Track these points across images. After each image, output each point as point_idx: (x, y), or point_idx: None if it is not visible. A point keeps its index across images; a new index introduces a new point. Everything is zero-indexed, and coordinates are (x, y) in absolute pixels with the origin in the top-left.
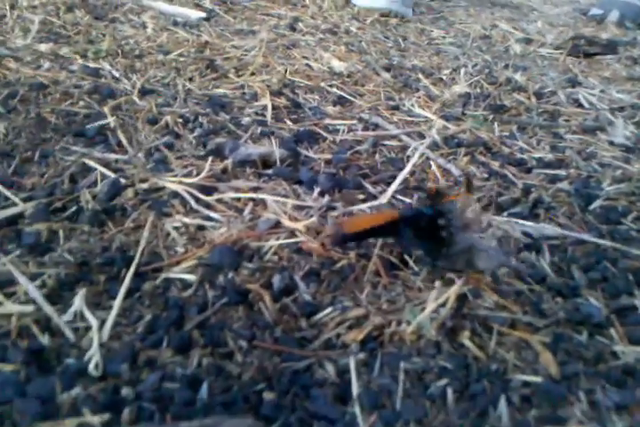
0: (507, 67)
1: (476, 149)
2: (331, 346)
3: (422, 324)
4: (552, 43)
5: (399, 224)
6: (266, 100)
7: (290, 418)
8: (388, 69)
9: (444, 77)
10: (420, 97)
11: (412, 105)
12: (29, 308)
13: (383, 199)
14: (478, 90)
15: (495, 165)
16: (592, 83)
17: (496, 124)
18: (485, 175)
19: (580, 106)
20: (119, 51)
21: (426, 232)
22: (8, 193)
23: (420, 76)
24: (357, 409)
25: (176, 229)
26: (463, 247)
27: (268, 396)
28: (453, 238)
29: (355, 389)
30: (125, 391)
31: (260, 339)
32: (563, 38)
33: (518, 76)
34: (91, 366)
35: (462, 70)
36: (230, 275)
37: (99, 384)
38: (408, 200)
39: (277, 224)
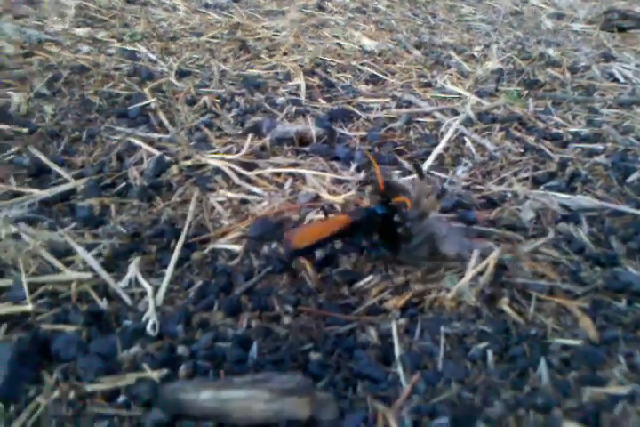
0: (539, 42)
1: (511, 124)
2: (373, 312)
3: (462, 290)
4: (584, 17)
5: (352, 229)
6: (299, 80)
7: (335, 377)
8: (418, 47)
9: (476, 54)
10: (452, 74)
11: (445, 82)
12: (87, 275)
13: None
14: (511, 66)
15: (530, 139)
16: (627, 57)
17: (530, 99)
18: (521, 150)
19: (616, 80)
20: (154, 34)
21: (382, 232)
22: (60, 170)
23: (452, 53)
24: (400, 369)
25: (220, 203)
26: (424, 237)
27: (315, 356)
28: (412, 232)
29: (397, 351)
30: (181, 350)
31: (305, 304)
32: (595, 13)
33: (551, 52)
34: (148, 327)
35: (494, 46)
36: (274, 246)
37: (156, 343)
38: (444, 175)
39: (317, 198)
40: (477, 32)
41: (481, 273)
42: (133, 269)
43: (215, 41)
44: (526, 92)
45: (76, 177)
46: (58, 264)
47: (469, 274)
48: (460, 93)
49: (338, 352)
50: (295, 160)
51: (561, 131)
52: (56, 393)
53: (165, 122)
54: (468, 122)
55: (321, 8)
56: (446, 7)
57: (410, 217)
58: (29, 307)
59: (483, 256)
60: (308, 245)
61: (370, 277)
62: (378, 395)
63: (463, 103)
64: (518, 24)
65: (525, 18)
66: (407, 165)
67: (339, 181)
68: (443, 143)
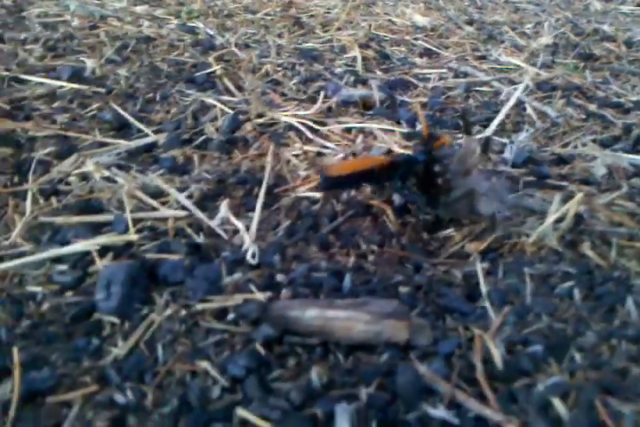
0: (589, 22)
1: (571, 92)
2: (454, 257)
3: (544, 233)
4: (633, 0)
5: (390, 170)
6: (354, 53)
7: (426, 309)
8: (470, 24)
9: (527, 31)
10: (506, 48)
11: (500, 55)
12: (182, 213)
13: (487, 133)
14: (564, 41)
15: (592, 107)
16: None
17: (587, 71)
18: (583, 116)
19: None
20: (209, 12)
21: (421, 179)
22: (140, 125)
23: (503, 29)
24: (488, 304)
25: (295, 156)
26: (463, 193)
27: (404, 289)
28: (451, 185)
29: (483, 288)
30: (280, 277)
31: (389, 245)
32: None
33: (606, 27)
34: (248, 256)
35: (545, 24)
36: (352, 193)
37: (255, 271)
38: (505, 140)
39: (389, 152)
40: (526, 12)
41: (560, 220)
42: (224, 210)
43: (269, 18)
44: (582, 64)
45: (155, 132)
46: (154, 203)
47: (550, 219)
48: (516, 65)
49: (424, 289)
50: (362, 120)
51: (622, 99)
52: (168, 311)
53: (231, 87)
54: (527, 90)
55: None
56: None
57: (451, 169)
58: (134, 237)
59: (564, 201)
60: (341, 175)
61: (450, 228)
62: (468, 326)
63: (520, 74)
64: (566, 6)
65: (572, 0)
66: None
67: (408, 138)
68: (506, 109)
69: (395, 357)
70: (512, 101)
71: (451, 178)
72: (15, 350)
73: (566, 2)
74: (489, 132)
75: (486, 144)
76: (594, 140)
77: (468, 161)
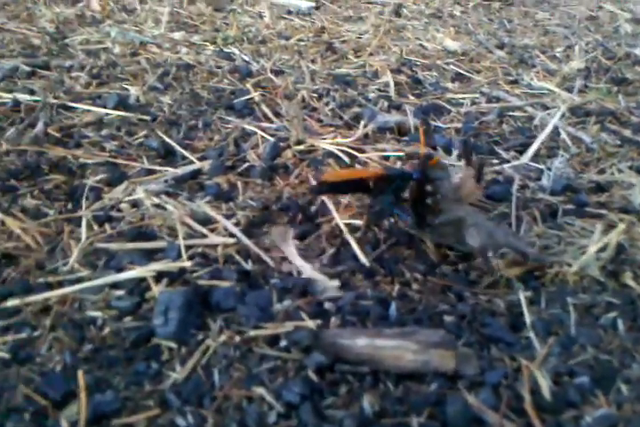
0: (619, 45)
1: (605, 118)
2: (495, 286)
3: (586, 263)
4: None
5: (383, 182)
6: (387, 78)
7: (470, 338)
8: (500, 48)
9: (558, 55)
10: (538, 72)
11: (532, 79)
12: (231, 239)
13: (524, 159)
14: (596, 65)
15: (627, 132)
16: None
17: (620, 95)
18: (618, 142)
19: None
20: (244, 38)
21: (412, 197)
22: (185, 153)
23: (535, 53)
24: (532, 334)
25: None
26: (452, 218)
27: (448, 318)
28: (441, 207)
29: (527, 318)
30: (328, 305)
31: (431, 274)
32: None
33: (638, 51)
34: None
35: (576, 47)
36: (393, 220)
37: (304, 299)
38: (540, 166)
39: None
40: (555, 35)
41: (602, 250)
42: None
43: (302, 43)
44: (615, 88)
45: (200, 159)
46: (203, 230)
47: (592, 249)
48: (548, 89)
49: (468, 318)
50: (398, 147)
51: None
52: (222, 337)
53: (269, 113)
54: (561, 116)
55: (397, 14)
56: (521, 13)
57: (443, 191)
58: (187, 264)
59: (605, 231)
60: (334, 181)
61: (489, 255)
62: (514, 356)
63: (553, 98)
64: (595, 28)
65: (602, 22)
66: (505, 154)
67: None
68: (543, 135)
69: (443, 386)
70: (549, 128)
71: (440, 200)
72: (80, 374)
73: (595, 24)
74: (526, 158)
75: (480, 172)
76: (630, 167)
77: (464, 188)
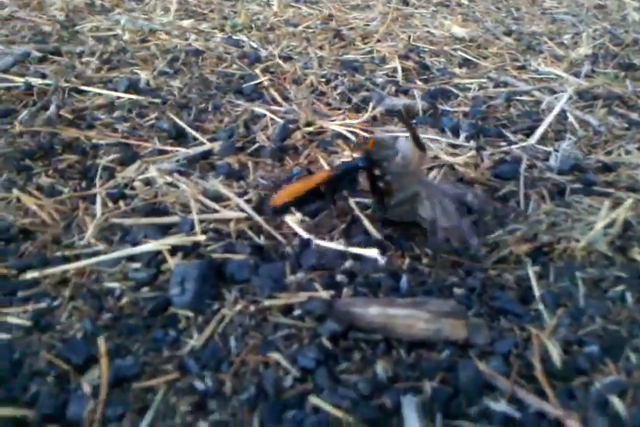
0: (627, 32)
1: (612, 102)
2: (504, 261)
3: (594, 239)
4: None
5: (334, 183)
6: (395, 63)
7: (480, 310)
8: (508, 34)
9: (566, 41)
10: (545, 58)
11: (539, 64)
12: (243, 214)
13: (532, 140)
14: (603, 51)
15: (634, 115)
16: None
17: (628, 80)
18: (625, 125)
19: None
20: (252, 25)
21: (367, 184)
22: (196, 134)
23: (542, 39)
24: (541, 306)
25: None
26: (408, 195)
27: (458, 291)
28: (394, 187)
29: (536, 291)
30: (340, 277)
31: (441, 251)
32: None
33: None
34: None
35: (583, 34)
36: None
37: (316, 272)
38: (547, 148)
39: (435, 159)
40: (563, 23)
41: (609, 226)
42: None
43: (310, 31)
44: (623, 74)
45: (210, 140)
46: (216, 206)
47: (600, 225)
48: (556, 75)
49: (478, 291)
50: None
51: None
52: (238, 307)
53: (278, 98)
54: (568, 99)
55: (405, 2)
56: (528, 1)
57: (392, 171)
58: (201, 238)
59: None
60: (285, 202)
61: (500, 231)
62: (524, 326)
63: (560, 83)
64: (603, 17)
65: (609, 11)
66: (513, 137)
67: (453, 146)
68: (550, 118)
69: (454, 354)
70: (556, 111)
71: (393, 179)
72: (101, 340)
73: (603, 13)
74: (533, 140)
75: (417, 140)
76: (638, 148)
77: (411, 159)
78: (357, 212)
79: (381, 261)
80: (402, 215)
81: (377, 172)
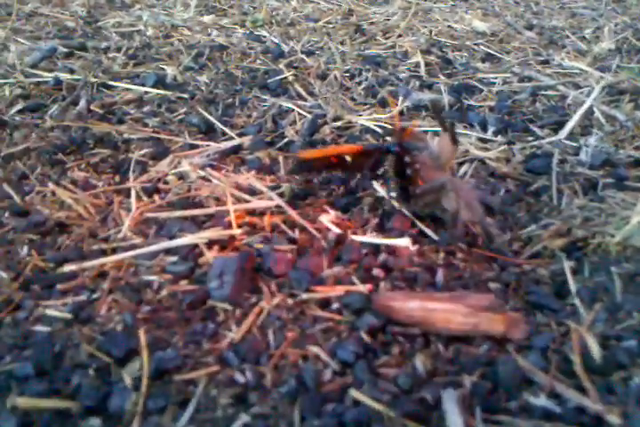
0: None
1: (638, 96)
2: (539, 256)
3: (629, 233)
4: None
5: (361, 158)
6: (417, 58)
7: (516, 304)
8: (529, 29)
9: (587, 36)
10: (568, 52)
11: (563, 59)
12: (273, 202)
13: (562, 135)
14: (627, 46)
15: None
16: None
17: None
18: None
19: None
20: (272, 20)
21: (393, 169)
22: (226, 129)
23: (563, 34)
24: (577, 301)
25: None
26: (434, 186)
27: (494, 285)
28: (421, 176)
29: (572, 286)
30: (376, 271)
31: (475, 246)
32: None
33: None
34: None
35: (605, 29)
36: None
37: (353, 265)
38: (575, 144)
39: (466, 153)
40: (583, 17)
41: None
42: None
43: (330, 26)
44: None
45: (239, 135)
46: (250, 199)
47: (635, 220)
48: (580, 69)
49: (514, 286)
50: (434, 123)
51: None
52: (275, 300)
53: (303, 92)
54: (597, 94)
55: None
56: None
57: (421, 161)
58: (237, 231)
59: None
60: (311, 158)
61: (533, 227)
62: (560, 322)
63: (585, 78)
64: (623, 11)
65: (629, 5)
66: (540, 132)
67: (483, 140)
68: (579, 113)
69: (492, 349)
70: (586, 106)
71: (420, 169)
72: (142, 333)
73: (622, 7)
74: (563, 135)
75: (453, 133)
76: None
77: (442, 154)
78: (388, 206)
79: (412, 249)
80: (425, 205)
81: (406, 159)
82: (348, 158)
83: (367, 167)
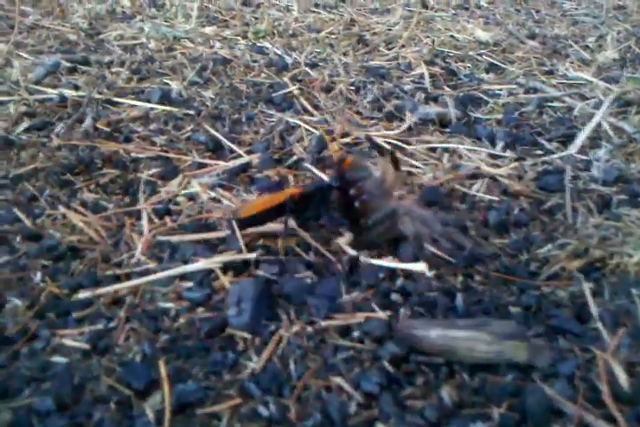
0: None
1: None
2: (556, 277)
3: None
4: None
5: (303, 201)
6: (421, 69)
7: (538, 329)
8: (532, 38)
9: (590, 45)
10: (572, 62)
11: (567, 69)
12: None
13: (572, 150)
14: (630, 55)
15: None
16: None
17: None
18: None
19: None
20: (274, 31)
21: (341, 205)
22: (234, 147)
23: (566, 43)
24: (600, 325)
25: None
26: (385, 214)
27: (514, 309)
28: (370, 207)
29: (593, 309)
30: (394, 296)
31: (493, 268)
32: None
33: None
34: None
35: (608, 37)
36: (445, 212)
37: (371, 290)
38: (585, 157)
39: (477, 170)
40: (585, 25)
41: None
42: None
43: (333, 36)
44: None
45: (247, 153)
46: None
47: None
48: (585, 79)
49: (534, 310)
50: (442, 138)
51: None
52: (295, 328)
53: (308, 107)
54: (599, 106)
55: (424, 6)
56: (547, 3)
57: (369, 191)
58: (252, 255)
59: None
60: (251, 216)
61: (549, 246)
62: (585, 347)
63: (590, 89)
64: (624, 18)
65: (630, 12)
66: (548, 145)
67: (493, 157)
68: (591, 127)
69: (518, 378)
70: (596, 120)
71: (367, 200)
72: (162, 364)
73: (624, 14)
74: (574, 149)
75: (395, 159)
76: None
77: (386, 180)
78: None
79: (428, 274)
80: (379, 234)
81: (352, 192)
82: (291, 204)
83: (314, 208)
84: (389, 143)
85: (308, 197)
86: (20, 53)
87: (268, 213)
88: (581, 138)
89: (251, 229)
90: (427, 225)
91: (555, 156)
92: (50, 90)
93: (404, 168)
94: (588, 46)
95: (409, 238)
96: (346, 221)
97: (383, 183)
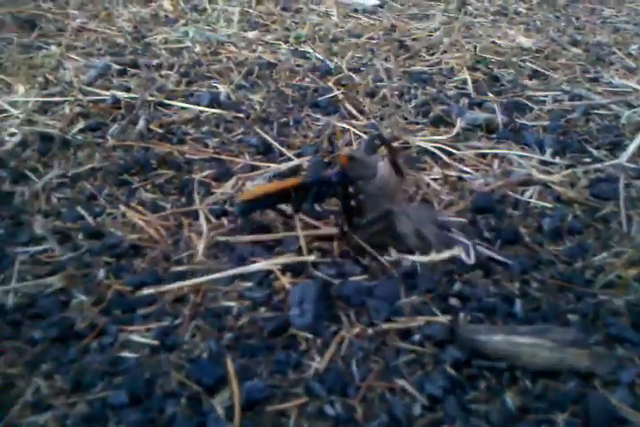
0: None
1: None
2: (613, 285)
3: None
4: None
5: (303, 191)
6: (464, 75)
7: (597, 337)
8: (574, 45)
9: (634, 52)
10: (617, 69)
11: (612, 76)
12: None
13: (623, 158)
14: None
15: None
16: None
17: None
18: None
19: None
20: (315, 36)
21: (340, 200)
22: (284, 149)
23: (609, 50)
24: None
25: (434, 180)
26: (381, 214)
27: (572, 317)
28: (367, 206)
29: None
30: (453, 301)
31: (547, 276)
32: None
33: None
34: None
35: None
36: (498, 218)
37: (429, 294)
38: (633, 166)
39: (528, 177)
40: (627, 33)
41: None
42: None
43: (374, 41)
44: None
45: (297, 156)
46: (318, 225)
47: None
48: (632, 87)
49: (591, 317)
50: (491, 144)
51: None
52: (355, 329)
53: (354, 111)
54: None
55: (463, 11)
56: (587, 9)
57: (369, 191)
58: (310, 258)
59: None
60: (254, 199)
61: (604, 254)
62: None
63: (637, 97)
64: None
65: None
66: (596, 153)
67: (544, 163)
68: None
69: (580, 385)
70: None
71: (366, 199)
72: (229, 361)
73: None
74: (624, 158)
75: (395, 164)
76: None
77: (388, 184)
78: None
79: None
80: (372, 235)
81: (351, 189)
82: (292, 192)
83: (310, 199)
84: (438, 148)
85: (306, 188)
86: (71, 55)
87: (269, 198)
88: (633, 146)
89: (306, 232)
90: (423, 225)
91: (607, 163)
92: (103, 91)
93: (456, 173)
94: (631, 54)
95: (410, 238)
96: (338, 216)
97: (385, 186)
